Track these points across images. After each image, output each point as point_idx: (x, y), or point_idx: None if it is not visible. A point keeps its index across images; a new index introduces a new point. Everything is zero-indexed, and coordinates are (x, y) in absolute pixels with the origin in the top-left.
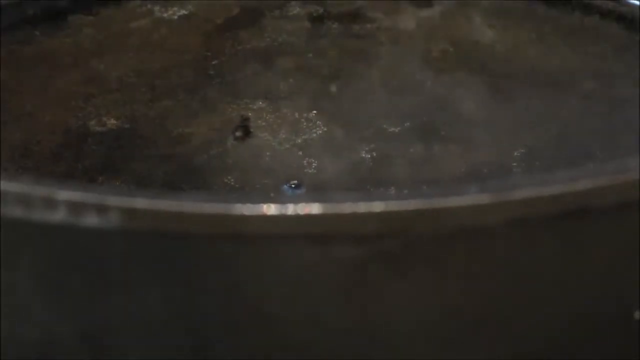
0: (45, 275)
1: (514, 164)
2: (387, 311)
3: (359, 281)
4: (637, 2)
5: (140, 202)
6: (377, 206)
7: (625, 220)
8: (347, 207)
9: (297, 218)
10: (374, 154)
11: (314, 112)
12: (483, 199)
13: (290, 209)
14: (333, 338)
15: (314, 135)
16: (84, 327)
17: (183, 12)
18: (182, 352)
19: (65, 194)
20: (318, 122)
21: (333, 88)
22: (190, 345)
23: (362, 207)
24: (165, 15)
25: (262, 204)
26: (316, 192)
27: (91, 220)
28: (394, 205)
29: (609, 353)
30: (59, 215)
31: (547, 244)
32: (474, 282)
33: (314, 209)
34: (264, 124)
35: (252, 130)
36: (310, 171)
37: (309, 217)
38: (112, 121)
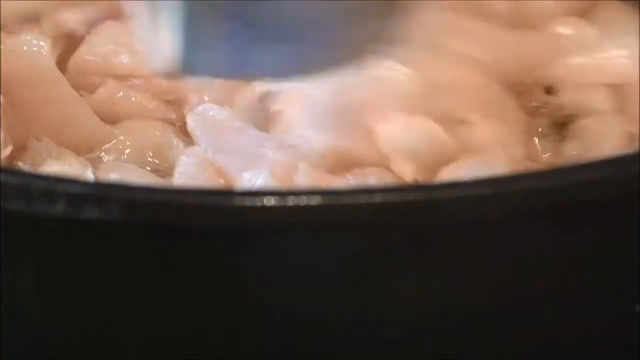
0: (45, 267)
1: None
2: (386, 302)
3: (359, 272)
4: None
5: (140, 195)
6: (377, 197)
7: (624, 213)
8: (347, 199)
9: (297, 209)
10: None
11: None
12: (482, 190)
13: (290, 201)
14: (333, 328)
15: None
16: (83, 320)
17: None
18: (181, 343)
19: (65, 187)
20: None
21: None
22: (191, 337)
23: (362, 198)
24: None
25: (261, 196)
26: None
27: (91, 213)
28: (393, 197)
29: (609, 345)
30: (59, 208)
31: (546, 236)
32: (474, 273)
33: (314, 200)
34: None
35: None
36: None
37: (309, 209)
38: None
